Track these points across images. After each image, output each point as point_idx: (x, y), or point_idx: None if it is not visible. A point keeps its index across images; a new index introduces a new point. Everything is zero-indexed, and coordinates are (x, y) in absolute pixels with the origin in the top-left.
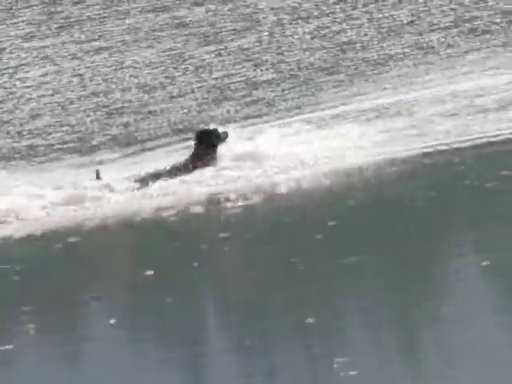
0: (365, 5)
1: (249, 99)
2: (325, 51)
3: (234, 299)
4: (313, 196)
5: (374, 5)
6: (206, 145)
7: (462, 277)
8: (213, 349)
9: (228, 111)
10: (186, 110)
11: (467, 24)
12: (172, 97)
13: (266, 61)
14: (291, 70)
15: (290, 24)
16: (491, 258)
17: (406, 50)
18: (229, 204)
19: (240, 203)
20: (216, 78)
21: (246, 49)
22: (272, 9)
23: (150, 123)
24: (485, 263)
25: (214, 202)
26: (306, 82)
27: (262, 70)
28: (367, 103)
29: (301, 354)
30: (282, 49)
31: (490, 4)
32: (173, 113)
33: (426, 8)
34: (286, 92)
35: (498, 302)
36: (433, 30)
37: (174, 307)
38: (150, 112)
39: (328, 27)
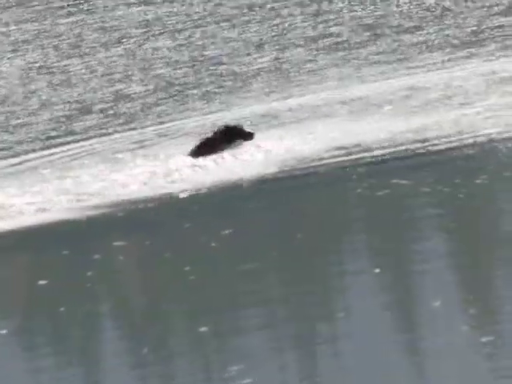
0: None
1: (111, 112)
2: (189, 65)
3: (126, 308)
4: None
5: (236, 20)
6: (226, 139)
7: (351, 283)
8: (104, 358)
9: (91, 124)
10: (48, 124)
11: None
12: (33, 110)
13: (132, 74)
14: (158, 83)
15: (154, 37)
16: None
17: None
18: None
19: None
20: (79, 92)
21: (113, 61)
22: (138, 22)
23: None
24: (377, 270)
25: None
26: (172, 95)
27: (127, 83)
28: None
29: (195, 362)
30: (148, 62)
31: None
32: (34, 126)
33: (288, 24)
34: (151, 105)
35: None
36: (297, 46)
37: (66, 316)
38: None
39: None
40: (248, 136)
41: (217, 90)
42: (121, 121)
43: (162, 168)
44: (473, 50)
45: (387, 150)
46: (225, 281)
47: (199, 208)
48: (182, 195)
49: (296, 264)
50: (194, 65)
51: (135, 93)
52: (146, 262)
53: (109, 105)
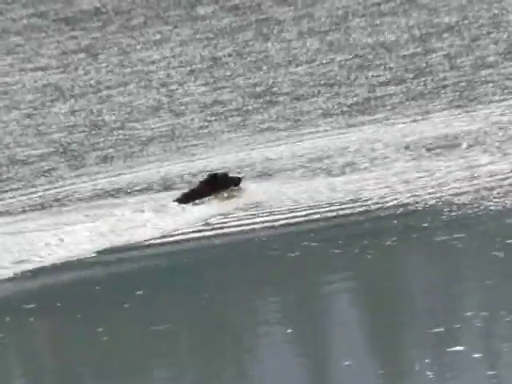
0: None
1: (5, 176)
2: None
3: (37, 371)
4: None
5: (132, 85)
6: (216, 186)
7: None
8: None
9: None
10: None
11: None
12: None
13: (27, 138)
14: (53, 147)
15: (50, 102)
16: None
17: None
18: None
19: None
20: None
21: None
22: (35, 88)
23: None
24: (289, 330)
25: None
26: (68, 159)
27: (22, 147)
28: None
29: None
30: (42, 127)
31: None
32: None
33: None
34: (46, 169)
35: None
36: (192, 112)
37: None
38: None
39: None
40: (235, 181)
41: (114, 154)
42: (14, 186)
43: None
44: (365, 117)
45: (293, 214)
46: (137, 341)
47: (110, 270)
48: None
49: (206, 326)
50: (90, 129)
51: (30, 156)
52: (58, 324)
53: (3, 169)
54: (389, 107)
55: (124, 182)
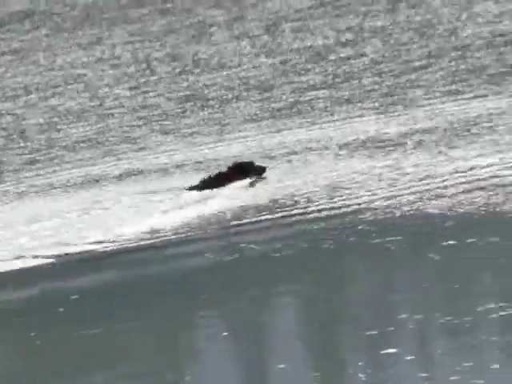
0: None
1: None
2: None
3: None
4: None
5: (59, 89)
6: (241, 174)
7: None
8: None
9: None
10: None
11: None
12: None
13: None
14: None
15: None
16: None
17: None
18: None
19: None
20: None
21: None
22: None
23: None
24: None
25: None
26: None
27: None
28: None
29: None
30: None
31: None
32: None
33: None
34: None
35: None
36: (117, 115)
37: None
38: None
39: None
40: (260, 171)
41: (42, 158)
42: None
43: None
44: (294, 121)
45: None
46: (70, 346)
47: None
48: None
49: (145, 328)
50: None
51: None
52: None
53: None
54: (317, 111)
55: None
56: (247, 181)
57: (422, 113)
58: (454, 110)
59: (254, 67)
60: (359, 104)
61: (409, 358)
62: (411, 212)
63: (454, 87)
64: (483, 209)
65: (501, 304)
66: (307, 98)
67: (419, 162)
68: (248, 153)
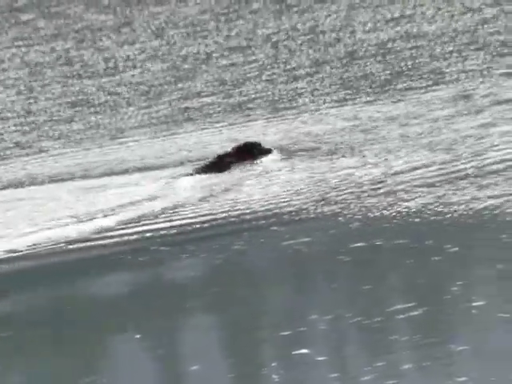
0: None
1: None
2: None
3: None
4: None
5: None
6: (247, 154)
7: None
8: None
9: None
10: None
11: None
12: None
13: None
14: None
15: None
16: None
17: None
18: None
19: None
20: None
21: None
22: None
23: None
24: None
25: None
26: None
27: None
28: None
29: None
30: None
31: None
32: None
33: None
34: None
35: None
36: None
37: None
38: None
39: None
40: (266, 152)
41: None
42: None
43: None
44: (183, 127)
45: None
46: None
47: None
48: None
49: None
50: None
51: None
52: None
53: None
54: (206, 117)
55: None
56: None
57: (309, 119)
58: (342, 116)
59: (141, 73)
60: (249, 110)
61: (320, 358)
62: (320, 215)
63: (342, 94)
64: (376, 213)
65: (409, 305)
66: (196, 105)
67: (310, 166)
68: (138, 159)
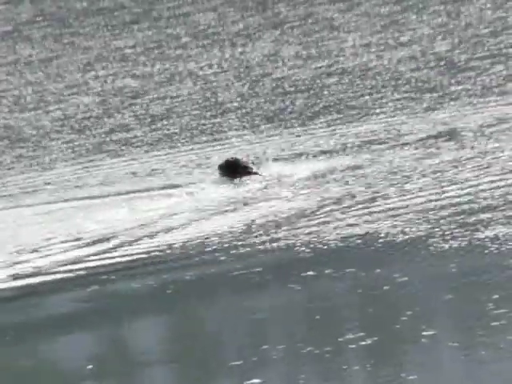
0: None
1: None
2: None
3: None
4: None
5: None
6: (232, 171)
7: None
8: None
9: None
10: None
11: None
12: None
13: None
14: None
15: None
16: None
17: None
18: None
19: None
20: None
21: None
22: None
23: None
24: None
25: None
26: None
27: None
28: None
29: None
30: None
31: None
32: None
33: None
34: None
35: None
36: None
37: None
38: None
39: None
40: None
41: None
42: None
43: None
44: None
45: None
46: None
47: None
48: None
49: None
50: None
51: None
52: None
53: None
54: (131, 149)
55: None
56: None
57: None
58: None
59: (70, 106)
60: (174, 143)
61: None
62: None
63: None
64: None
65: (360, 334)
66: (120, 137)
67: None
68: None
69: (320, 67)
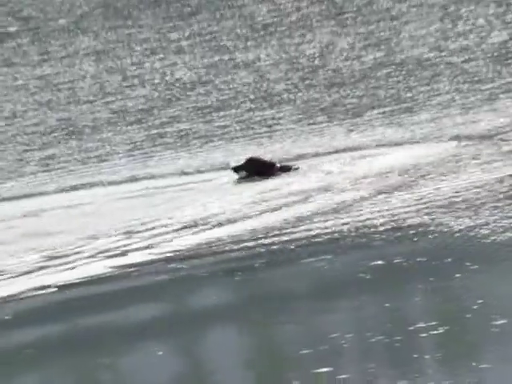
0: None
1: None
2: None
3: None
4: None
5: None
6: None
7: None
8: None
9: None
10: None
11: None
12: None
13: None
14: None
15: None
16: None
17: None
18: None
19: None
20: None
21: None
22: None
23: None
24: None
25: None
26: None
27: None
28: None
29: None
30: None
31: None
32: None
33: None
34: None
35: None
36: None
37: None
38: None
39: None
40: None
41: None
42: None
43: None
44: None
45: None
46: None
47: None
48: None
49: None
50: None
51: None
52: None
53: None
54: None
55: None
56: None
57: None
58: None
59: (127, 98)
60: (229, 135)
61: (343, 376)
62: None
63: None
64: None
65: (431, 323)
66: (176, 129)
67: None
68: None
69: (376, 58)
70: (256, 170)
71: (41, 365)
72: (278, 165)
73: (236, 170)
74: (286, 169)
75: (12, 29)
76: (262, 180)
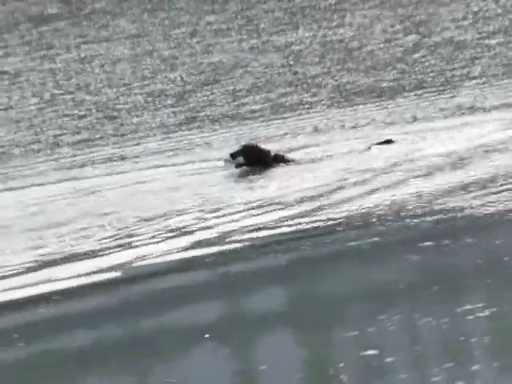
0: None
1: None
2: None
3: None
4: None
5: None
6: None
7: None
8: None
9: None
10: None
11: None
12: None
13: None
14: None
15: None
16: None
17: None
18: None
19: None
20: None
21: None
22: None
23: None
24: None
25: None
26: None
27: None
28: None
29: None
30: None
31: None
32: None
33: None
34: None
35: None
36: None
37: None
38: None
39: None
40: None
41: None
42: None
43: None
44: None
45: None
46: None
47: None
48: None
49: None
50: None
51: None
52: None
53: None
54: None
55: None
56: None
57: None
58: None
59: (162, 82)
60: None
61: (389, 359)
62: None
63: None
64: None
65: (478, 305)
66: (209, 112)
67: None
68: None
69: (411, 40)
70: (252, 157)
71: (98, 364)
72: (273, 154)
73: (233, 156)
74: (280, 159)
75: (52, 11)
76: (265, 168)
